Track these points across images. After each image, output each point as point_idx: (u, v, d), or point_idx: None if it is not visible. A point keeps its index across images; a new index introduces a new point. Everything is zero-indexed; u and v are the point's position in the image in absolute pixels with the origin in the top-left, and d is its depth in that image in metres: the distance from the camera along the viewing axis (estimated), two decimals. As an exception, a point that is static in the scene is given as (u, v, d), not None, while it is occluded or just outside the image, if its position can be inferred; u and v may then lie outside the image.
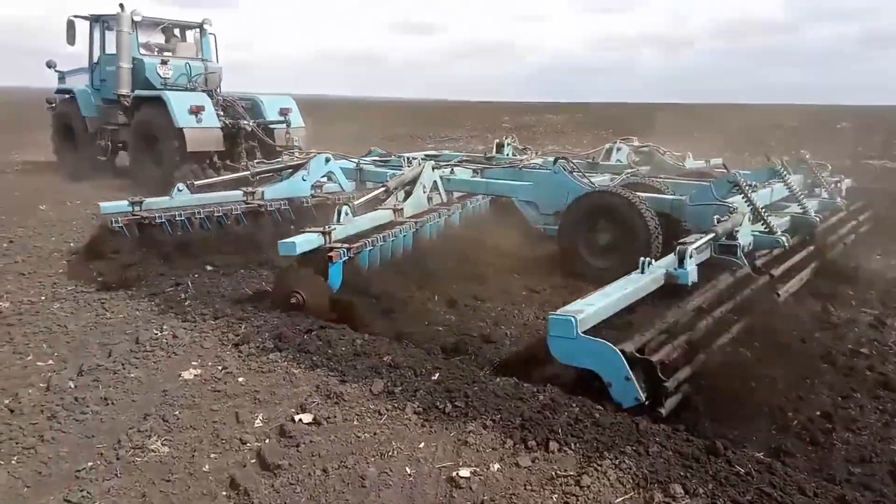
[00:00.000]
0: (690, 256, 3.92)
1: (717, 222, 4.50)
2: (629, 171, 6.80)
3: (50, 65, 11.69)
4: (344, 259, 4.68)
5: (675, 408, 3.08)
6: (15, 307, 4.72)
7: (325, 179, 7.04)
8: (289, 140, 10.14)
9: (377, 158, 7.70)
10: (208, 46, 11.47)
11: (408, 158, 6.89)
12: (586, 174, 6.16)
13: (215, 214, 6.45)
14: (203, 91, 10.55)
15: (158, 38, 11.28)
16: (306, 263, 4.61)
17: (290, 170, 7.11)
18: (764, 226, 4.92)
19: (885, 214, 7.14)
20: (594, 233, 5.34)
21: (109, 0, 10.61)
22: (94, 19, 10.93)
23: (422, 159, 6.65)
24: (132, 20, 10.25)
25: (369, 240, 5.06)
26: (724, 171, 5.82)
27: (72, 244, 6.60)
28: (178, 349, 3.97)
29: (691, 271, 3.91)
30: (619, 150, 8.02)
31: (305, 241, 4.69)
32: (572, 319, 3.07)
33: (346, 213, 5.14)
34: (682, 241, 4.11)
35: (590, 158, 8.06)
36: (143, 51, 10.72)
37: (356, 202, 5.51)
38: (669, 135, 13.74)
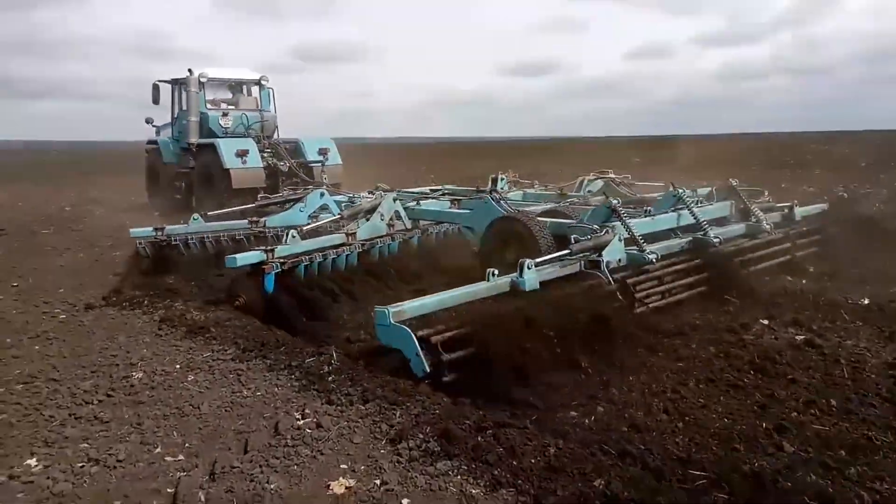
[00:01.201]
0: (529, 268, 4.74)
1: (575, 242, 5.29)
2: (567, 201, 7.42)
3: (148, 121, 13.79)
4: (277, 271, 5.76)
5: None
6: (148, 379, 4.23)
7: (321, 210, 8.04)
8: (321, 177, 11.76)
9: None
10: (266, 99, 13.36)
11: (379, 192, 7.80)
12: (514, 203, 7.26)
13: (222, 238, 7.60)
14: (262, 137, 12.51)
15: (226, 94, 13.31)
16: (253, 275, 5.76)
17: (291, 202, 8.30)
18: (637, 247, 5.50)
19: (829, 242, 7.24)
20: (503, 251, 5.90)
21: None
22: (173, 82, 13.00)
23: (382, 192, 7.60)
24: (199, 81, 12.41)
25: (307, 257, 6.09)
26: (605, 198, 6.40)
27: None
28: (324, 445, 3.24)
29: (529, 279, 4.71)
30: (591, 181, 8.81)
31: (246, 256, 5.79)
32: (386, 311, 4.06)
33: (294, 236, 6.28)
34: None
35: (559, 190, 8.88)
36: (210, 106, 12.64)
37: (306, 228, 6.87)
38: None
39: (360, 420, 3.51)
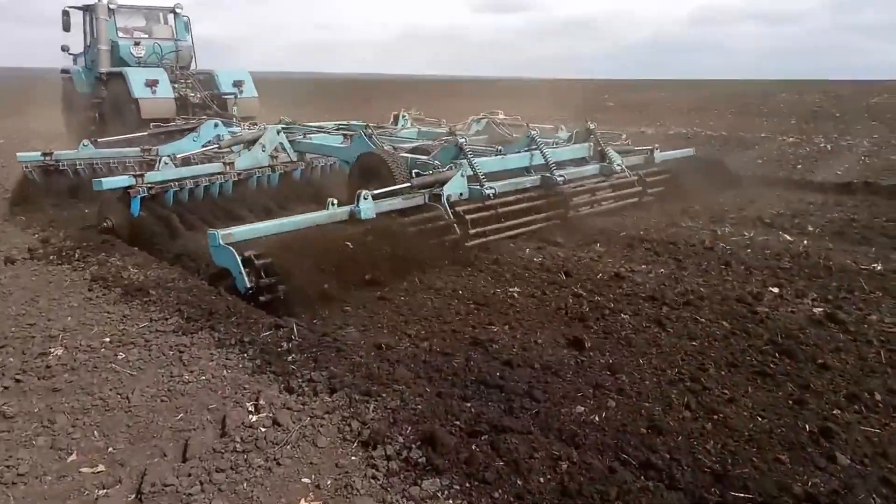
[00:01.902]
0: (365, 199, 5.14)
1: (416, 176, 5.87)
2: (444, 139, 7.16)
3: (64, 49, 13.14)
4: (143, 195, 6.00)
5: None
6: (69, 357, 3.53)
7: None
8: (233, 109, 11.73)
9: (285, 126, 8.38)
10: (182, 28, 12.97)
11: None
12: (400, 140, 8.00)
13: (111, 164, 7.91)
14: (175, 67, 12.27)
15: (140, 22, 12.87)
16: (122, 199, 6.01)
17: (185, 131, 8.52)
18: (478, 183, 5.88)
19: (674, 184, 7.67)
20: (366, 184, 5.84)
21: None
22: (84, 8, 12.39)
23: (266, 125, 7.89)
24: (108, 8, 11.97)
25: (177, 183, 6.33)
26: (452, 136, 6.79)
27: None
28: (282, 452, 2.63)
29: (365, 209, 5.12)
30: (478, 121, 9.15)
31: (114, 180, 6.09)
32: (216, 234, 4.44)
33: (166, 163, 6.57)
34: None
35: (449, 128, 8.78)
36: (121, 34, 12.26)
37: (181, 155, 7.17)
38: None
39: (325, 416, 2.91)
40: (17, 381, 3.27)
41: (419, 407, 2.91)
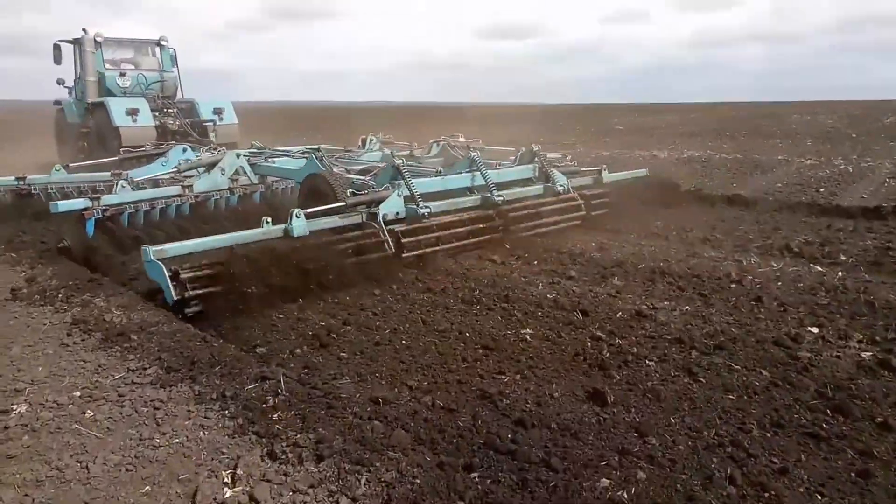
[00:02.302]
0: (297, 217, 5.35)
1: (353, 195, 6.16)
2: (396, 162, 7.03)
3: (59, 82, 13.54)
4: (97, 216, 6.32)
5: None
6: (31, 416, 3.17)
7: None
8: (211, 135, 12.34)
9: (255, 151, 8.92)
10: (167, 59, 13.63)
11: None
12: (359, 162, 8.58)
13: (82, 188, 8.11)
14: (159, 97, 12.88)
15: (127, 54, 13.40)
16: (80, 220, 6.28)
17: (154, 156, 8.85)
18: (415, 203, 6.10)
19: (615, 203, 7.73)
20: (314, 200, 6.33)
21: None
22: (74, 42, 12.98)
23: (252, 149, 8.71)
24: (95, 41, 12.64)
25: (133, 205, 6.66)
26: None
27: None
28: (259, 543, 2.24)
29: (297, 226, 5.31)
30: (438, 145, 9.51)
31: (70, 203, 6.45)
32: (148, 249, 4.68)
33: (123, 186, 6.97)
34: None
35: (409, 151, 9.48)
36: (108, 66, 12.87)
37: (139, 178, 7.64)
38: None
39: (309, 490, 2.53)
40: (-31, 445, 2.91)
41: (417, 481, 2.52)
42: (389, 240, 5.70)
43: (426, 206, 6.10)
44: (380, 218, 5.86)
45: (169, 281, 4.51)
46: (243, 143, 11.27)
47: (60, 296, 5.09)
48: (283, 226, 5.32)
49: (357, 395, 3.33)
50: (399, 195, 6.15)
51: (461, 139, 9.65)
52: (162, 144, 9.95)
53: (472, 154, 7.32)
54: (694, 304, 4.74)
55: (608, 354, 3.82)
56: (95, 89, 12.72)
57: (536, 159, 7.69)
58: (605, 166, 8.39)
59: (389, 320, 4.54)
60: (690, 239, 6.87)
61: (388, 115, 40.44)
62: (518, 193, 7.12)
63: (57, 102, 14.07)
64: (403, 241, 5.77)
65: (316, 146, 9.62)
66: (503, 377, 3.57)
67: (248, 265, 4.67)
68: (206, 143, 11.00)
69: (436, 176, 7.06)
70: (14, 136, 19.46)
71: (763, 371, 3.55)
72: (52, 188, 8.10)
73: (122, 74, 12.84)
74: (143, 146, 10.52)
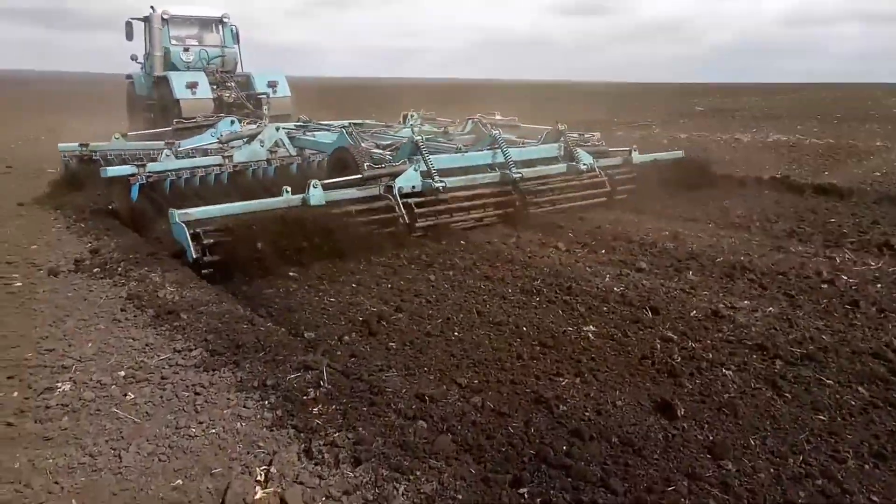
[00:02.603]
0: (315, 187, 5.61)
1: (368, 169, 6.44)
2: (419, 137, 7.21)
3: (132, 57, 14.37)
4: (142, 182, 6.73)
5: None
6: (74, 395, 3.13)
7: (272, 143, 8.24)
8: (265, 107, 12.11)
9: (300, 124, 9.42)
10: (229, 35, 14.18)
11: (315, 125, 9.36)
12: (390, 137, 8.55)
13: (138, 154, 8.20)
14: (218, 71, 13.50)
15: (192, 31, 13.99)
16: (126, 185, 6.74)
17: (205, 127, 9.10)
18: (431, 177, 6.24)
19: (639, 185, 7.69)
20: (339, 172, 6.68)
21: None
22: (144, 19, 13.64)
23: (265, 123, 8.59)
24: (162, 18, 13.22)
25: (175, 173, 7.05)
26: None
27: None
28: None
29: (314, 196, 5.58)
30: (473, 122, 9.21)
31: (118, 169, 6.89)
32: (175, 213, 5.05)
33: (167, 155, 7.43)
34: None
35: (444, 128, 9.57)
36: (173, 42, 13.46)
37: (181, 148, 8.03)
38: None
39: (343, 497, 2.34)
40: (9, 424, 2.87)
41: (459, 497, 2.29)
42: (404, 212, 5.99)
43: (441, 181, 6.25)
44: (395, 191, 6.08)
45: (190, 241, 4.94)
46: (296, 117, 11.56)
47: (120, 269, 5.11)
48: (301, 195, 5.58)
49: (403, 391, 3.12)
50: (416, 170, 6.33)
51: (497, 117, 9.63)
52: (212, 116, 10.36)
53: (494, 132, 7.46)
54: (779, 306, 4.29)
55: (679, 359, 3.47)
56: (162, 64, 13.37)
57: (562, 138, 7.72)
58: (635, 146, 8.27)
59: (443, 309, 4.31)
60: (775, 231, 6.32)
61: (461, 92, 40.07)
62: (540, 171, 7.25)
63: (128, 76, 15.02)
64: (416, 211, 6.07)
65: (359, 121, 10.08)
66: (561, 380, 3.28)
67: (264, 230, 5.03)
68: (259, 114, 11.10)
69: (456, 153, 7.20)
70: (96, 107, 20.24)
71: (860, 388, 3.12)
72: (111, 155, 8.52)
73: (186, 50, 13.48)
74: (194, 118, 10.87)
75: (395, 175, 6.21)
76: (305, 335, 3.95)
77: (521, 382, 3.25)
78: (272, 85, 13.56)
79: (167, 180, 7.01)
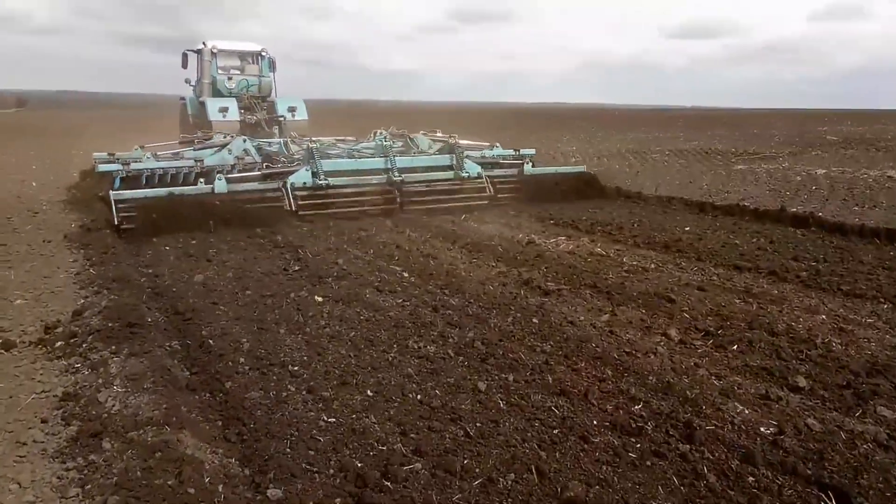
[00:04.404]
0: (219, 179, 7.98)
1: (267, 168, 9.19)
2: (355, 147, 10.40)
3: (187, 81, 16.15)
4: (122, 175, 8.90)
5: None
6: None
7: (243, 153, 9.89)
8: (276, 129, 14.45)
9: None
10: (265, 66, 15.93)
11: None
12: (339, 149, 10.43)
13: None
14: (248, 96, 15.18)
15: (236, 62, 15.82)
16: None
17: (220, 146, 10.21)
18: (317, 176, 8.58)
19: (527, 190, 9.71)
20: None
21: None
22: (197, 51, 15.59)
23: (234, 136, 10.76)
24: (211, 52, 15.17)
25: (149, 169, 9.20)
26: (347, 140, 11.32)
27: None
28: None
29: (219, 186, 7.93)
30: (419, 137, 11.12)
31: (107, 166, 9.12)
32: (111, 192, 7.85)
33: (148, 157, 9.93)
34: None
35: (404, 142, 11.16)
36: (220, 71, 15.31)
37: (160, 153, 10.49)
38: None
39: None
40: None
41: None
42: (291, 200, 8.21)
43: (326, 180, 8.49)
44: (287, 185, 8.32)
45: (115, 210, 7.55)
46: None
47: (85, 345, 4.01)
48: (211, 185, 7.93)
49: None
50: (307, 170, 8.50)
51: (438, 134, 11.22)
52: (228, 135, 11.59)
53: (386, 143, 9.63)
54: None
55: None
56: (209, 89, 15.28)
57: (454, 151, 9.56)
58: (529, 161, 10.34)
59: (487, 456, 2.80)
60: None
61: (554, 117, 38.42)
62: (424, 176, 9.15)
63: (182, 98, 16.88)
64: (299, 202, 8.25)
65: (342, 137, 12.27)
66: None
67: (172, 207, 7.60)
68: (272, 134, 13.16)
69: (348, 158, 9.37)
70: (157, 126, 20.43)
71: None
72: (129, 161, 9.73)
73: (230, 78, 15.36)
74: (210, 135, 12.39)
75: (290, 173, 8.52)
76: (270, 492, 2.56)
77: None
78: (291, 109, 15.15)
79: (143, 175, 9.01)
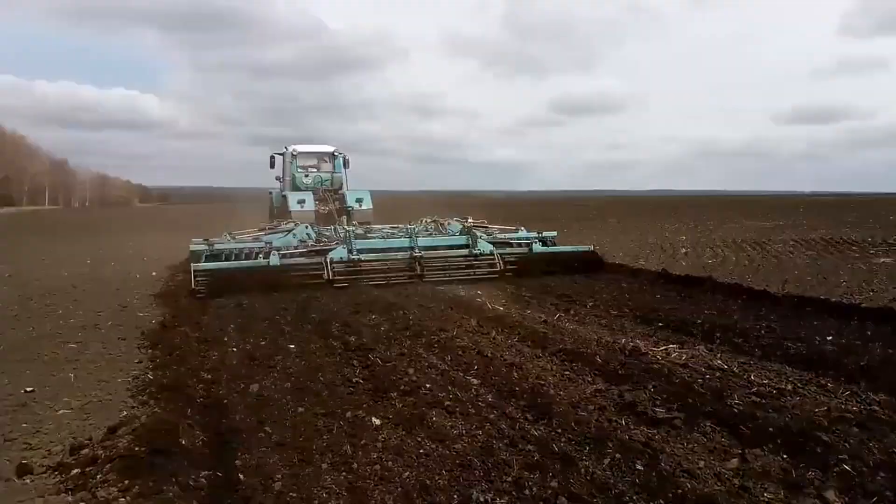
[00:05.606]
0: (274, 254, 10.55)
1: (313, 245, 11.84)
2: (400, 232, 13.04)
3: (277, 178, 18.63)
4: (207, 253, 10.96)
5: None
6: None
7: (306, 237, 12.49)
8: (350, 218, 16.00)
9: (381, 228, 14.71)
10: (339, 164, 18.24)
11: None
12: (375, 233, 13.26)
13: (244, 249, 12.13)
14: (323, 190, 17.37)
15: (312, 161, 18.37)
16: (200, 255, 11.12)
17: (286, 231, 12.60)
18: (351, 252, 10.86)
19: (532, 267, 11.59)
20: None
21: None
22: (281, 154, 18.36)
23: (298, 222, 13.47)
24: (292, 154, 17.89)
25: (228, 249, 11.30)
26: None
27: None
28: None
29: (273, 260, 10.40)
30: (450, 224, 13.55)
31: (196, 244, 11.19)
32: (193, 265, 10.30)
33: (228, 239, 12.27)
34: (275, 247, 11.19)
35: (436, 228, 13.68)
36: (299, 169, 17.87)
37: (237, 234, 13.11)
38: None
39: None
40: None
41: None
42: (330, 271, 10.35)
43: (358, 255, 10.75)
44: (327, 259, 10.55)
45: (193, 278, 9.85)
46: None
47: (98, 477, 3.45)
48: (268, 259, 10.46)
49: None
50: (344, 248, 10.86)
51: (469, 221, 13.39)
52: (292, 222, 13.73)
53: (410, 227, 12.56)
54: None
55: None
56: (290, 184, 17.75)
57: (470, 232, 11.93)
58: (536, 240, 12.39)
59: None
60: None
61: (662, 205, 36.83)
62: (441, 253, 11.30)
63: (270, 192, 19.25)
64: (335, 271, 10.39)
65: (399, 225, 14.46)
66: None
67: (237, 276, 10.06)
68: (342, 222, 14.70)
69: (380, 239, 11.94)
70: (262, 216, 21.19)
71: None
72: (215, 243, 11.72)
73: (307, 176, 17.82)
74: (279, 225, 14.10)
75: (329, 250, 10.87)
76: None
77: None
78: (359, 201, 17.05)
79: (223, 254, 11.04)
